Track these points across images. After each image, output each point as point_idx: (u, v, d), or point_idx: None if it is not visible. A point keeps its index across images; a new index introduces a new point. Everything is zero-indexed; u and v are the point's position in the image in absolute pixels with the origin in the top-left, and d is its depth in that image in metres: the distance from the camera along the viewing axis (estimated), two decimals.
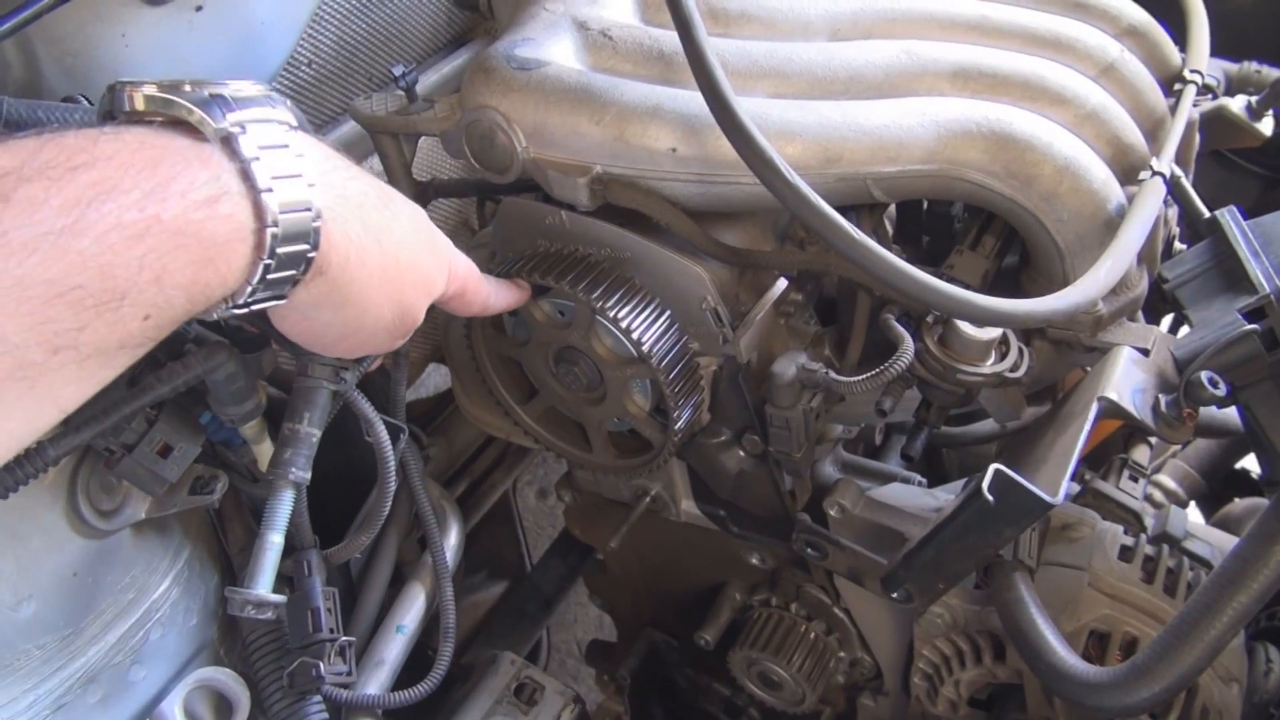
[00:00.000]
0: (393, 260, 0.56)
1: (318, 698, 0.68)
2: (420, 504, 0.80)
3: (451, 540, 0.85)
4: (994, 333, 0.76)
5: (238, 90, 0.48)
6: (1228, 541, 1.04)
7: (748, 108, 0.74)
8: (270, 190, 0.46)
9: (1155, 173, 0.79)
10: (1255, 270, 0.75)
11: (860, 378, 0.74)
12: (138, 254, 0.41)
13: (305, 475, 0.61)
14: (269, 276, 0.47)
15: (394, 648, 0.76)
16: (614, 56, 0.83)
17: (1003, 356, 0.77)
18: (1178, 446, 1.23)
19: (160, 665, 0.66)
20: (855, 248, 0.64)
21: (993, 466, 0.66)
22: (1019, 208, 0.77)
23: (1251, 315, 0.73)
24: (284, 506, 0.59)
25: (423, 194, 0.93)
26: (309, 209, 0.48)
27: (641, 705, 1.26)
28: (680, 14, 0.72)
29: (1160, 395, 0.73)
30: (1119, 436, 1.17)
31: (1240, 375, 0.74)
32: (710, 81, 0.67)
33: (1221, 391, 0.69)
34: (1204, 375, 0.70)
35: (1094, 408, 0.72)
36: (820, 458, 0.95)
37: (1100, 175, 0.78)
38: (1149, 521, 0.86)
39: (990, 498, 0.65)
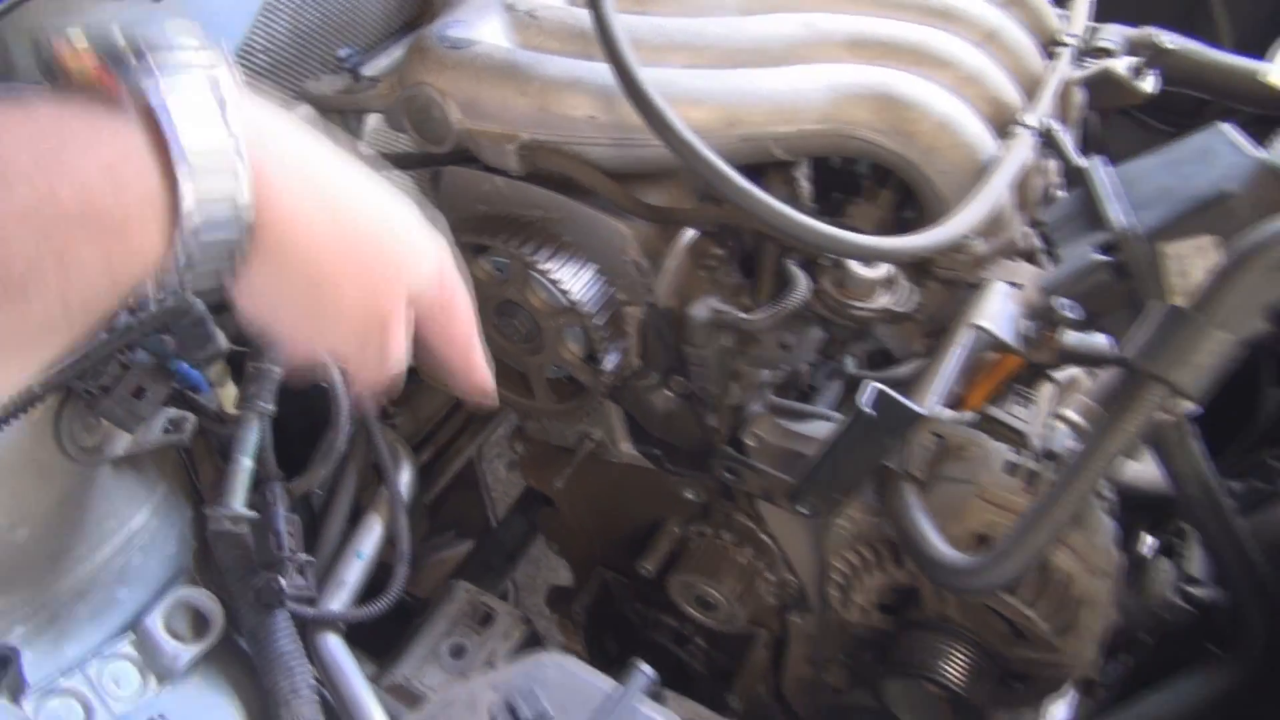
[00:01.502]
0: (351, 232, 0.49)
1: (285, 612, 0.77)
2: (375, 437, 0.88)
3: (405, 476, 0.94)
4: (881, 271, 0.86)
5: (169, 39, 0.44)
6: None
7: (658, 77, 0.83)
8: (183, 150, 0.40)
9: (1025, 127, 0.89)
10: (1112, 211, 0.85)
11: (761, 314, 0.83)
12: (33, 234, 0.37)
13: (270, 408, 0.70)
14: (195, 248, 0.42)
15: (354, 570, 0.85)
16: (539, 34, 0.91)
17: (892, 294, 0.87)
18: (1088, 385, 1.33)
19: (142, 586, 0.75)
20: (744, 196, 0.73)
21: (871, 384, 0.75)
22: (904, 161, 0.86)
23: (1106, 250, 0.83)
24: (253, 435, 0.68)
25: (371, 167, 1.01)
26: (234, 170, 0.42)
27: (597, 641, 1.35)
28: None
29: (1026, 322, 0.83)
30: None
31: (1099, 304, 0.84)
32: (615, 53, 0.75)
33: (1075, 315, 0.79)
34: (1058, 301, 0.80)
35: (967, 334, 0.82)
36: (750, 401, 1.04)
37: (975, 130, 0.87)
38: (1036, 442, 0.96)
39: (870, 412, 0.75)
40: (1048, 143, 0.96)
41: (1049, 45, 1.01)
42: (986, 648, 0.91)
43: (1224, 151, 0.84)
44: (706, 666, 1.30)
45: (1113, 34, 1.29)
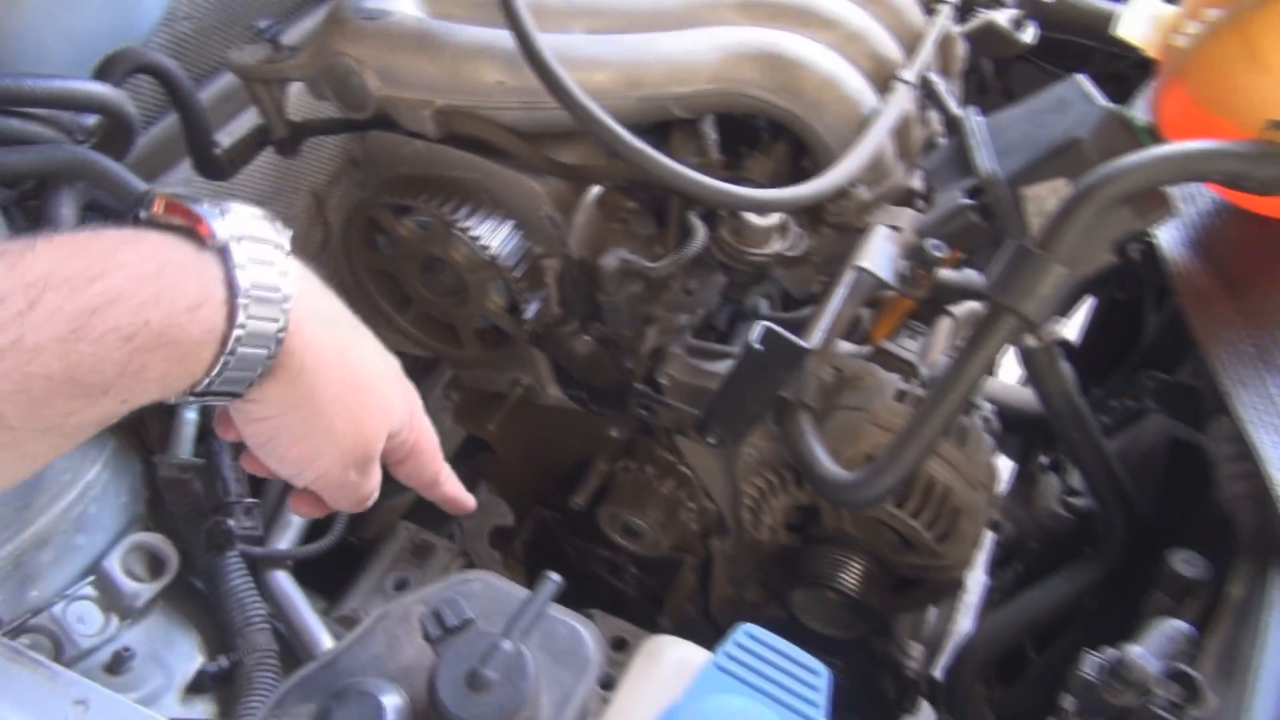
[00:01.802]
0: (351, 375, 0.58)
1: (235, 552, 0.84)
2: None
3: None
4: (774, 220, 0.94)
5: (240, 211, 0.53)
6: (993, 389, 1.25)
7: (561, 43, 0.89)
8: (245, 289, 0.50)
9: (903, 81, 0.96)
10: (979, 157, 0.93)
11: (664, 262, 0.91)
12: (126, 353, 0.46)
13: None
14: (227, 373, 0.50)
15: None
16: (449, 3, 0.96)
17: (784, 240, 0.95)
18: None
19: (99, 533, 0.81)
20: (637, 154, 0.80)
21: (761, 322, 0.84)
22: (792, 116, 0.94)
23: (974, 193, 0.91)
24: None
25: (298, 133, 1.05)
26: (276, 321, 0.51)
27: (538, 575, 1.44)
28: None
29: (904, 261, 0.91)
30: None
31: (966, 243, 0.93)
32: (516, 22, 0.81)
33: (941, 254, 0.88)
34: (929, 242, 0.88)
35: (850, 274, 0.91)
36: (667, 343, 1.11)
37: (856, 85, 0.94)
38: (924, 371, 1.05)
39: (759, 348, 0.83)
40: (928, 94, 1.04)
41: (930, 2, 1.08)
42: (879, 557, 1.01)
43: (1077, 101, 0.92)
44: (639, 592, 1.39)
45: None
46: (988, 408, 1.09)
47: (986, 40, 1.22)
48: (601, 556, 1.37)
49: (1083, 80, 0.93)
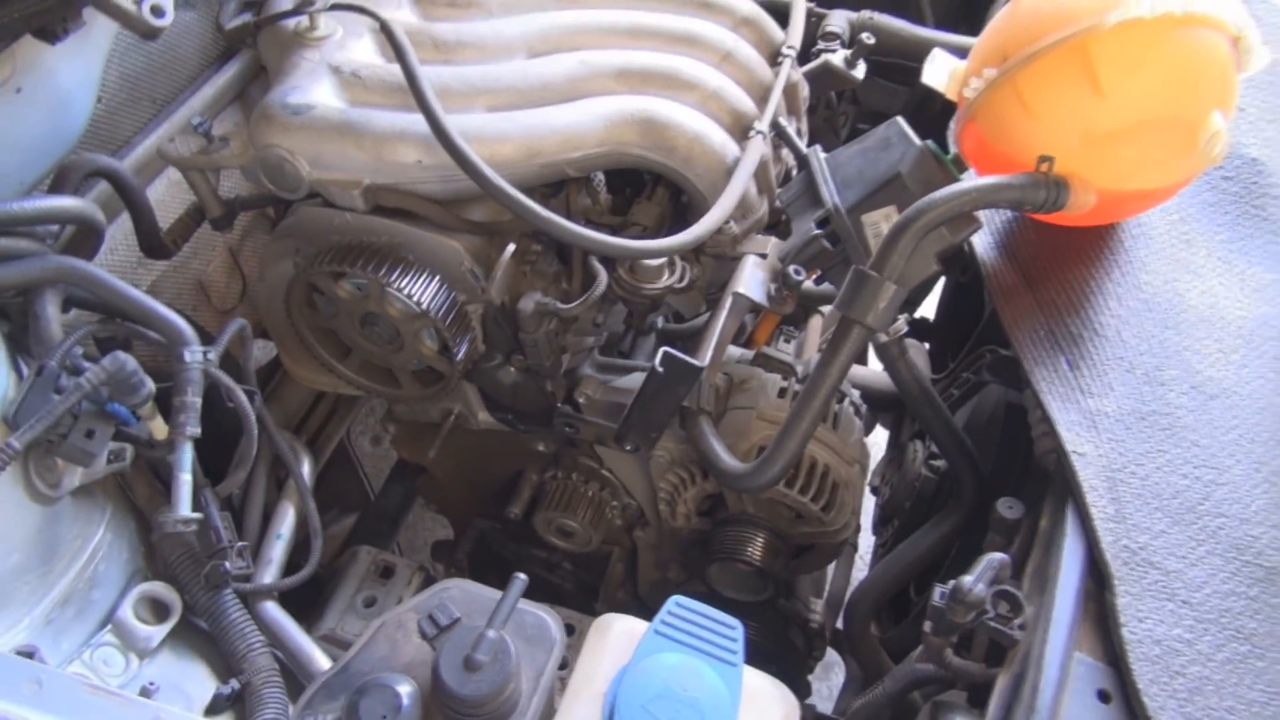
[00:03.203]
0: None
1: (229, 590, 0.96)
2: (278, 443, 1.07)
3: (305, 469, 1.13)
4: (662, 260, 1.11)
5: None
6: (864, 375, 1.46)
7: (468, 122, 1.04)
8: None
9: (757, 131, 1.15)
10: (824, 191, 1.13)
11: (574, 305, 1.07)
12: None
13: (197, 431, 0.89)
14: None
15: (278, 549, 1.04)
16: (365, 92, 1.10)
17: (673, 273, 1.12)
18: None
19: (110, 587, 0.92)
20: (538, 218, 0.96)
21: (662, 349, 1.01)
22: (668, 169, 1.11)
23: (822, 222, 1.11)
24: (187, 454, 0.87)
25: (231, 210, 1.17)
26: None
27: (480, 580, 1.58)
28: (403, 63, 1.00)
29: (772, 284, 1.10)
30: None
31: (820, 263, 1.12)
32: (428, 109, 0.96)
33: (800, 277, 1.07)
34: (790, 268, 1.07)
35: (728, 299, 1.09)
36: (580, 364, 1.27)
37: (719, 139, 1.12)
38: (800, 369, 1.25)
39: (661, 370, 1.00)
40: (781, 137, 1.23)
41: (774, 57, 1.27)
42: (777, 530, 1.20)
43: (898, 141, 1.12)
44: (575, 585, 1.56)
45: (838, 20, 1.58)
46: (855, 394, 1.29)
47: (825, 79, 1.42)
48: (537, 557, 1.53)
49: (902, 122, 1.13)
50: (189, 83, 1.35)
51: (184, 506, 0.87)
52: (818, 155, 1.17)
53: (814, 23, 1.59)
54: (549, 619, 0.82)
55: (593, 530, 1.33)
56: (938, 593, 0.85)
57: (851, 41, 1.54)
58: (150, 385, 0.88)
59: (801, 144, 1.23)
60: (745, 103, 1.18)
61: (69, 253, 0.92)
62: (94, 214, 0.91)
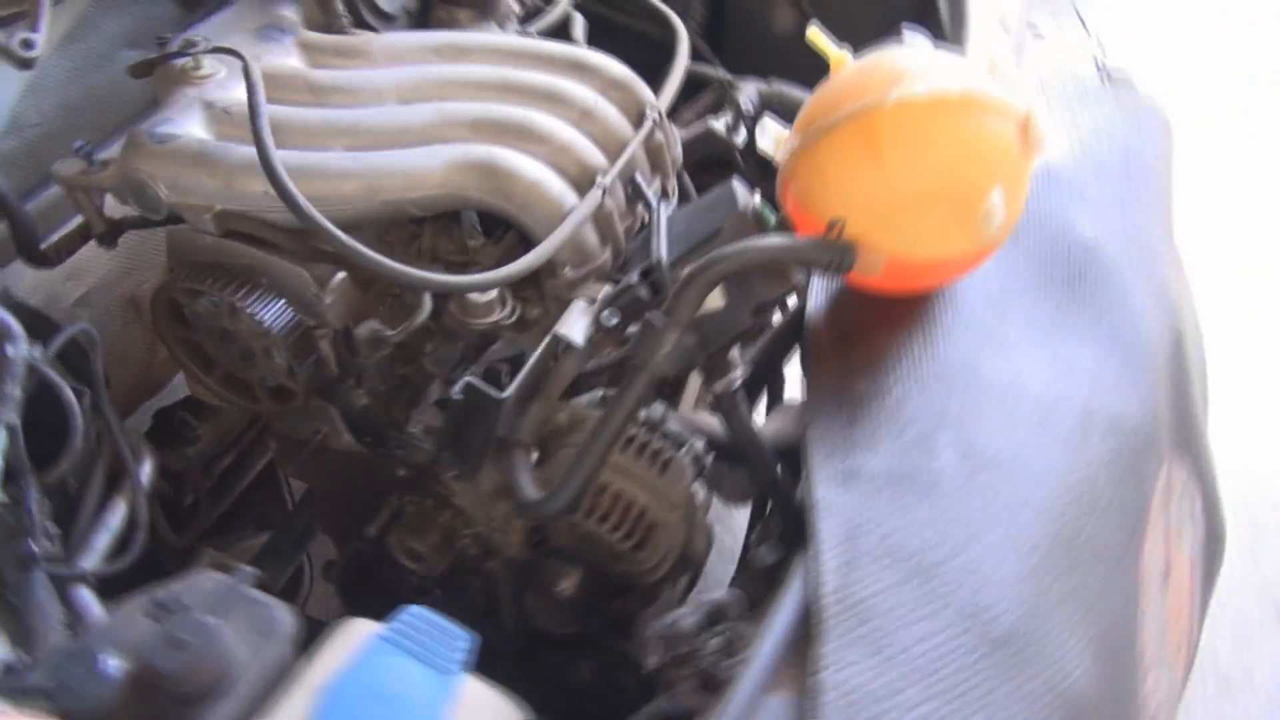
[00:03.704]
0: None
1: (40, 572, 1.04)
2: (119, 441, 1.16)
3: (146, 467, 1.21)
4: (492, 295, 1.18)
5: None
6: (705, 422, 1.50)
7: (318, 159, 1.13)
8: None
9: (599, 185, 1.22)
10: (654, 244, 1.19)
11: (397, 331, 1.14)
12: None
13: (13, 419, 0.97)
14: None
15: (102, 538, 1.11)
16: (231, 127, 1.20)
17: (503, 310, 1.19)
18: None
19: None
20: (351, 251, 1.04)
21: (464, 379, 1.07)
22: (507, 213, 1.18)
23: (645, 272, 1.17)
24: (1, 441, 0.95)
25: (115, 229, 1.27)
26: None
27: (359, 599, 1.64)
28: (250, 99, 1.09)
29: (592, 328, 1.16)
30: None
31: (635, 311, 1.17)
32: (259, 142, 1.05)
33: (612, 322, 1.13)
34: (604, 312, 1.13)
35: (545, 340, 1.15)
36: (429, 392, 1.34)
37: (558, 189, 1.19)
38: (643, 412, 1.30)
39: (460, 397, 1.07)
40: (635, 192, 1.30)
41: (639, 117, 1.34)
42: (594, 566, 1.25)
43: (726, 201, 1.19)
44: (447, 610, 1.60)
45: (750, 89, 1.66)
46: (699, 445, 1.34)
47: (707, 143, 1.50)
48: (408, 580, 1.58)
49: (735, 183, 1.19)
50: (135, 116, 1.47)
51: None
52: (660, 211, 1.24)
53: (722, 91, 1.68)
54: (280, 613, 0.88)
55: (438, 556, 1.38)
56: (654, 626, 0.89)
57: (757, 111, 1.62)
58: None
59: (653, 200, 1.30)
60: (596, 157, 1.26)
61: None
62: None
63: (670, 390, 1.48)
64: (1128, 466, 1.15)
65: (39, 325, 1.14)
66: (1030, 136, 1.03)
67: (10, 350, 0.99)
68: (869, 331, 1.16)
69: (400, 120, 1.22)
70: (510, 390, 1.09)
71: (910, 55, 1.08)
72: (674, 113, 1.76)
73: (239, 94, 1.24)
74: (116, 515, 1.14)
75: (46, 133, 1.40)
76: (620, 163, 1.26)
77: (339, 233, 1.03)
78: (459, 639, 0.88)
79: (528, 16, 1.60)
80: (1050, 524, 1.03)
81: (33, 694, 0.76)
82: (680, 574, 1.27)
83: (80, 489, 1.14)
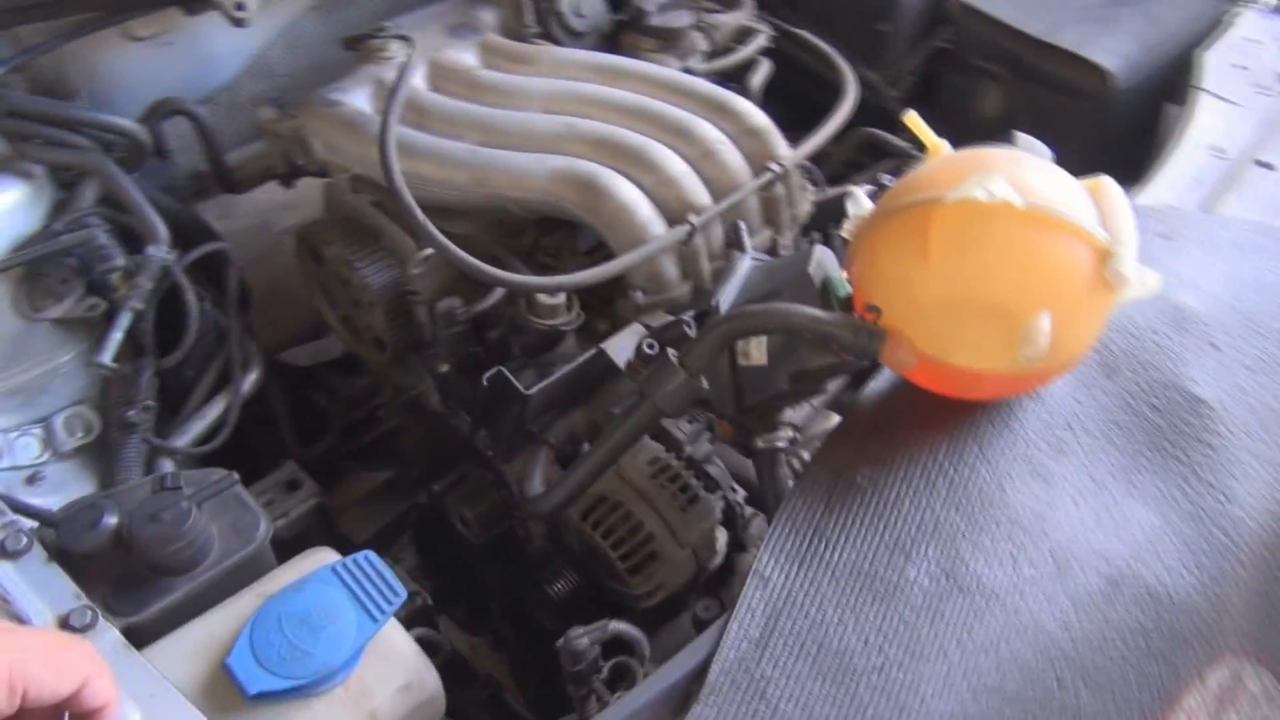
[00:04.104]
0: None
1: (136, 437, 1.23)
2: (233, 349, 1.35)
3: (252, 375, 1.39)
4: (559, 299, 1.25)
5: None
6: (741, 463, 1.47)
7: (444, 145, 1.26)
8: None
9: (687, 222, 1.26)
10: (720, 289, 1.21)
11: (464, 310, 1.25)
12: None
13: (139, 305, 1.17)
14: None
15: (196, 426, 1.30)
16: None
17: (565, 317, 1.26)
18: None
19: (57, 398, 1.22)
20: (442, 247, 1.15)
21: (496, 367, 1.16)
22: (594, 228, 1.25)
23: (699, 314, 1.19)
24: (124, 318, 1.15)
25: (294, 172, 1.48)
26: None
27: (427, 547, 1.78)
28: (395, 87, 1.24)
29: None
30: None
31: (677, 345, 1.19)
32: (383, 123, 1.18)
33: (653, 351, 1.16)
34: (645, 340, 1.17)
35: (589, 353, 1.21)
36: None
37: (645, 216, 1.25)
38: (687, 449, 1.32)
39: (488, 386, 1.15)
40: (735, 236, 1.33)
41: (763, 166, 1.36)
42: (591, 575, 1.28)
43: (799, 263, 1.19)
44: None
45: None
46: (740, 494, 1.34)
47: (838, 208, 1.48)
48: (459, 539, 1.69)
49: (818, 248, 1.19)
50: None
51: (106, 355, 1.15)
52: (742, 259, 1.26)
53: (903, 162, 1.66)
54: (262, 524, 1.00)
55: (482, 526, 1.47)
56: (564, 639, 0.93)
57: None
58: (118, 260, 1.18)
59: (749, 248, 1.32)
60: (699, 196, 1.30)
61: (118, 162, 1.25)
62: (139, 133, 1.24)
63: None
64: (1159, 646, 1.03)
65: (200, 237, 1.36)
66: (1109, 270, 0.95)
67: (151, 250, 1.19)
68: (899, 425, 1.12)
69: (531, 126, 1.32)
70: (536, 389, 1.16)
71: (1004, 158, 1.03)
72: (849, 173, 1.76)
73: (411, 78, 1.40)
74: (215, 409, 1.33)
75: (293, 82, 1.63)
76: (722, 206, 1.29)
77: (419, 212, 1.15)
78: (397, 594, 0.96)
79: (715, 53, 1.65)
80: (1020, 674, 0.95)
81: (46, 520, 0.93)
82: (672, 614, 1.28)
83: (194, 380, 1.34)
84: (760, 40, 1.66)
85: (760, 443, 1.16)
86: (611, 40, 1.63)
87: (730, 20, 1.66)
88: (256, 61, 1.56)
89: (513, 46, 1.47)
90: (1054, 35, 1.66)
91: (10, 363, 1.18)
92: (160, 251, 1.19)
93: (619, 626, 0.93)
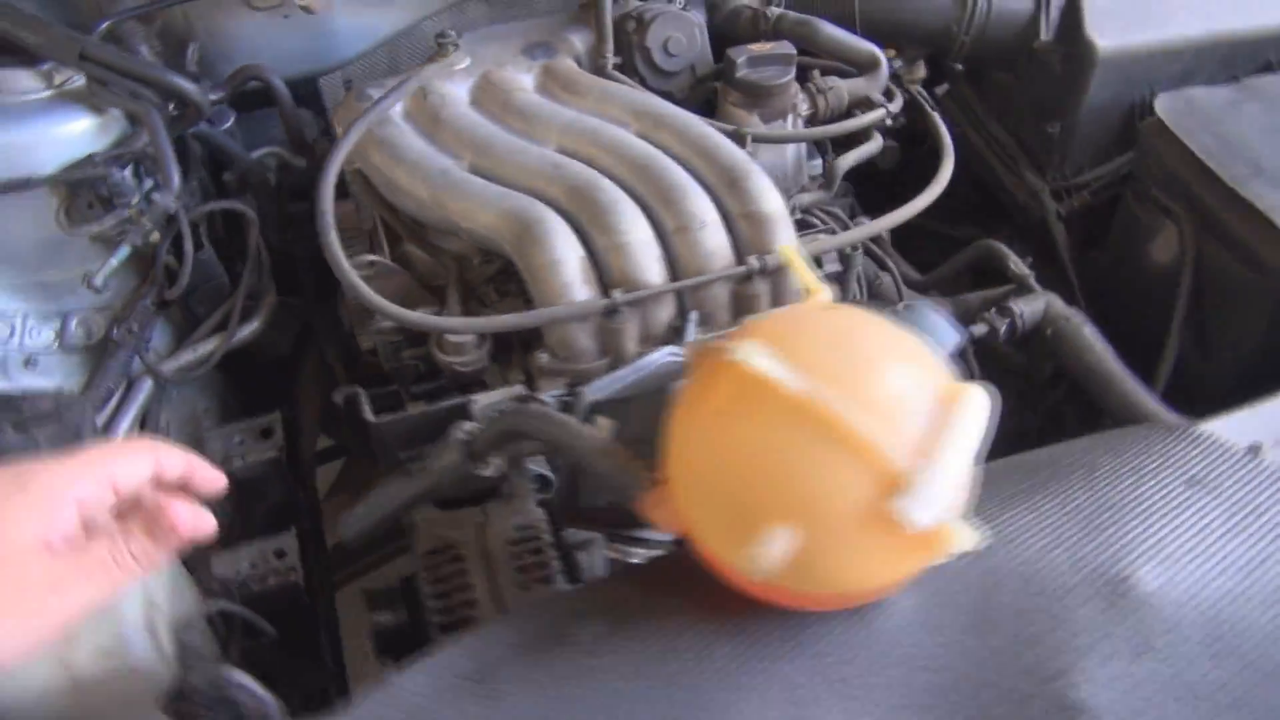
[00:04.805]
0: None
1: (124, 349, 1.39)
2: (237, 293, 1.46)
3: (251, 325, 1.49)
4: (464, 339, 1.20)
5: None
6: None
7: (427, 157, 1.27)
8: None
9: (612, 299, 1.14)
10: (605, 379, 1.09)
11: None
12: None
13: (139, 243, 1.32)
14: None
15: (187, 355, 1.44)
16: (418, 106, 1.37)
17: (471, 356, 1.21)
18: None
19: (81, 301, 1.40)
20: (352, 286, 1.15)
21: (355, 388, 1.14)
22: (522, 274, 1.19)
23: (564, 397, 1.09)
24: (123, 252, 1.30)
25: None
26: None
27: None
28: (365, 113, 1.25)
29: None
30: None
31: None
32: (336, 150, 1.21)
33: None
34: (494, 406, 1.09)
35: (452, 400, 1.15)
36: None
37: (568, 278, 1.15)
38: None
39: (343, 403, 1.15)
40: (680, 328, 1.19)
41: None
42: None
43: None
44: None
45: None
46: None
47: None
48: None
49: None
50: None
51: (98, 280, 1.31)
52: (655, 354, 1.14)
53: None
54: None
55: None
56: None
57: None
58: (132, 198, 1.33)
59: (686, 340, 1.18)
60: (646, 271, 1.17)
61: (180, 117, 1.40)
62: (197, 96, 1.37)
63: None
64: None
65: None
66: (890, 505, 0.73)
67: (158, 196, 1.32)
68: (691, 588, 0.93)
69: (523, 158, 1.27)
70: (385, 419, 1.14)
71: (850, 327, 0.82)
72: (955, 286, 1.52)
73: (452, 86, 1.41)
74: (208, 346, 1.46)
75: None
76: (659, 290, 1.17)
77: (331, 233, 1.16)
78: None
79: (820, 119, 1.48)
80: None
81: None
82: None
83: (201, 316, 1.48)
84: (876, 114, 1.45)
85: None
86: (699, 87, 1.52)
87: (849, 87, 1.47)
88: (386, 44, 1.64)
89: (569, 74, 1.42)
90: (1247, 184, 1.27)
91: (46, 263, 1.38)
92: (166, 199, 1.32)
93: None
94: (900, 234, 1.49)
